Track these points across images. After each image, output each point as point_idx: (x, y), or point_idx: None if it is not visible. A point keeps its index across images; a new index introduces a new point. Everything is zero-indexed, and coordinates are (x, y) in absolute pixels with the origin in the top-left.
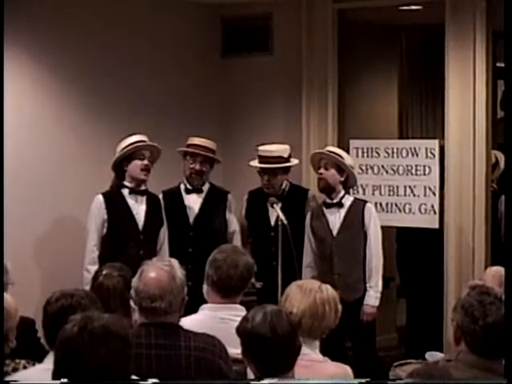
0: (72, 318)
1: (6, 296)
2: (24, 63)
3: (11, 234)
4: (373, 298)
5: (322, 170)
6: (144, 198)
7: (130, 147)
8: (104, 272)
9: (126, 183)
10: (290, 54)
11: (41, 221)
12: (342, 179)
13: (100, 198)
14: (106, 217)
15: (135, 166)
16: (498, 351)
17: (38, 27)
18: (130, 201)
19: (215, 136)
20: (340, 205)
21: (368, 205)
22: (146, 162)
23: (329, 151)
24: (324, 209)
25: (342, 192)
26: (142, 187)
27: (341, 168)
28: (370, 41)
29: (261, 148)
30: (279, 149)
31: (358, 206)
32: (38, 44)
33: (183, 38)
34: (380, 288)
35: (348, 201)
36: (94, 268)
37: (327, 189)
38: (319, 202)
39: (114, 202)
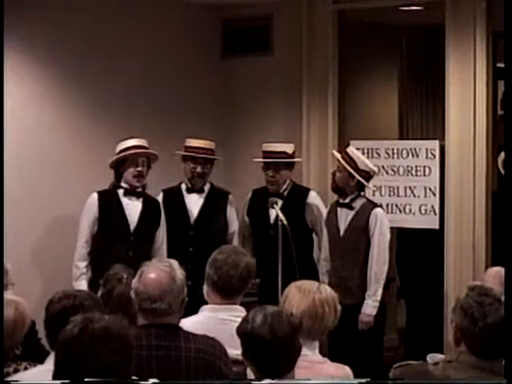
0: (73, 319)
1: (23, 302)
2: (24, 63)
3: (11, 235)
4: (370, 306)
5: (335, 172)
6: (140, 200)
7: (124, 154)
8: (122, 277)
9: (122, 184)
10: (290, 54)
11: (41, 222)
12: (353, 184)
13: (94, 195)
14: (97, 215)
15: (129, 172)
16: (497, 352)
17: (38, 28)
18: (125, 201)
19: (215, 136)
20: (350, 207)
21: (376, 210)
22: (139, 168)
23: (345, 154)
24: (337, 207)
25: (355, 193)
26: (139, 189)
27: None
28: (370, 41)
29: (265, 144)
30: (283, 145)
31: (366, 209)
32: (38, 44)
33: (183, 38)
34: (379, 297)
35: (359, 203)
36: (82, 264)
37: (337, 190)
38: (333, 201)
39: (108, 201)
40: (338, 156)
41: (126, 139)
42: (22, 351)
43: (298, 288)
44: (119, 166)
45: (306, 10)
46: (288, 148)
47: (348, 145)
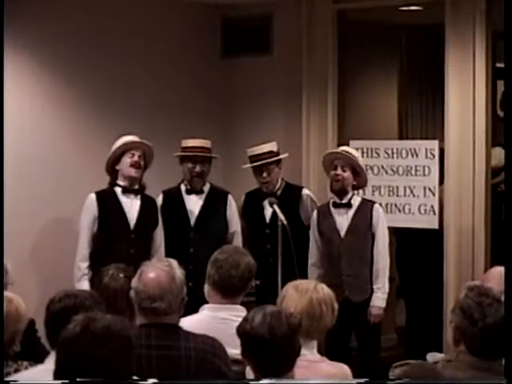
0: (74, 319)
1: (18, 298)
2: (24, 63)
3: (11, 235)
4: (380, 299)
5: (339, 171)
6: (138, 198)
7: (121, 145)
8: (110, 272)
9: (120, 182)
10: (290, 54)
11: (41, 221)
12: (355, 182)
13: (92, 196)
14: (96, 214)
15: (125, 163)
16: (497, 352)
17: (38, 27)
18: (123, 199)
19: (215, 135)
20: (349, 205)
21: (376, 206)
22: (135, 158)
23: (345, 152)
24: (332, 209)
25: (351, 193)
26: (136, 186)
27: (355, 170)
28: (370, 41)
29: (249, 149)
30: (267, 145)
31: (366, 206)
32: (38, 44)
33: (183, 38)
34: (387, 289)
35: (356, 201)
36: (84, 265)
37: (343, 190)
38: (328, 201)
39: (106, 200)
40: (340, 150)
41: (119, 137)
42: (22, 351)
43: (295, 288)
44: (114, 164)
45: (305, 10)
46: (272, 146)
47: (348, 145)
